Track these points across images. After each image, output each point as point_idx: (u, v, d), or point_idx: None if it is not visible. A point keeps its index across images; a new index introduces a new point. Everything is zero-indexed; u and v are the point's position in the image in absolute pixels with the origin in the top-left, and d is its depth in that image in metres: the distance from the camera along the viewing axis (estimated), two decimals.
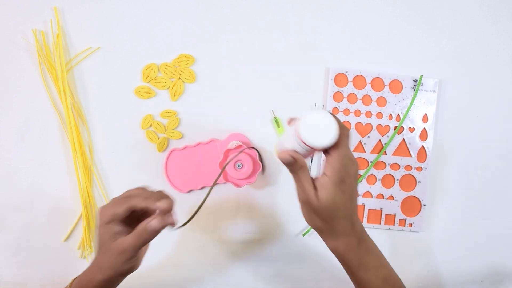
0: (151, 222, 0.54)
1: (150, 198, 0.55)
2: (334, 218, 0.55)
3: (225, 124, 0.77)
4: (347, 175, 0.54)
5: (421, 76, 0.76)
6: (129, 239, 0.55)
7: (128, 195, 0.57)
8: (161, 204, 0.54)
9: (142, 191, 0.57)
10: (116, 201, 0.56)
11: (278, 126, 0.76)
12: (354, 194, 0.56)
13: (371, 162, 0.77)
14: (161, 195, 0.56)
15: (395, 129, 0.77)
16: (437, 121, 0.78)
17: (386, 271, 0.59)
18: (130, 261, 0.57)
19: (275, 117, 0.76)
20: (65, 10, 0.75)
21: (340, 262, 0.59)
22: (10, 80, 0.75)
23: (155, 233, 0.54)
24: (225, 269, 0.77)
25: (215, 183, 0.63)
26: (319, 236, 0.58)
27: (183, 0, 0.76)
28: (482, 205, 0.79)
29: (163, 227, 0.54)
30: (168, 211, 0.54)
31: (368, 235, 0.59)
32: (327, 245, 0.58)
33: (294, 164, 0.54)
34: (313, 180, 0.55)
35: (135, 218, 0.57)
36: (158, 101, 0.76)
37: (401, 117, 0.77)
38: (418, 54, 0.78)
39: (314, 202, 0.54)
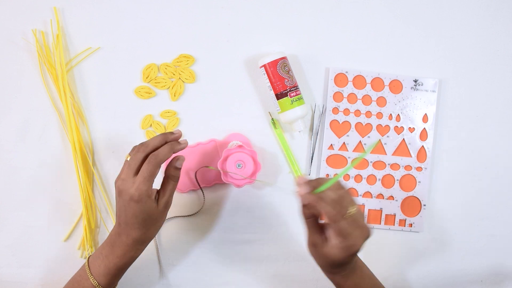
0: (178, 162, 0.63)
1: (167, 135, 0.63)
2: (339, 266, 0.61)
3: (225, 124, 0.77)
4: (355, 243, 0.58)
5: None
6: (165, 188, 0.63)
7: (143, 148, 0.61)
8: (181, 146, 0.63)
9: (150, 140, 0.62)
10: (144, 167, 0.60)
11: (276, 127, 0.76)
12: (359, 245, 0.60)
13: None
14: (171, 136, 0.63)
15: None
16: (437, 121, 0.78)
17: None
18: (160, 211, 0.63)
19: (272, 119, 0.76)
20: (65, 10, 0.75)
21: (337, 287, 0.65)
22: (10, 80, 0.75)
23: (178, 170, 0.64)
24: (225, 269, 0.77)
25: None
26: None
27: (183, 0, 0.76)
28: (482, 205, 0.79)
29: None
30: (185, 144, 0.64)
31: (361, 261, 0.65)
32: (325, 275, 0.64)
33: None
34: (322, 228, 0.61)
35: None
36: (158, 101, 0.76)
37: (401, 117, 0.77)
38: (418, 54, 0.78)
39: (322, 250, 0.59)
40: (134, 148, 0.62)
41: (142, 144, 0.62)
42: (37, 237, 0.76)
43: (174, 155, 0.63)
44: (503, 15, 0.78)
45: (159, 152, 0.61)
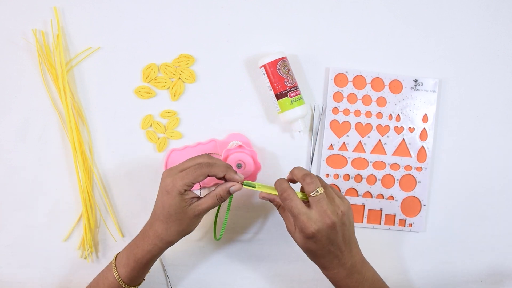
0: (233, 187, 0.63)
1: (230, 169, 0.63)
2: (315, 257, 0.63)
3: (225, 124, 0.77)
4: (318, 231, 0.59)
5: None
6: (208, 201, 0.62)
7: (207, 164, 0.62)
8: (239, 178, 0.63)
9: (217, 161, 0.63)
10: (193, 169, 0.61)
11: (254, 187, 0.65)
12: (335, 240, 0.60)
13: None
14: (231, 168, 0.64)
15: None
16: (437, 121, 0.78)
17: None
18: (198, 222, 0.65)
19: (244, 184, 0.65)
20: (65, 10, 0.75)
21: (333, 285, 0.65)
22: (10, 80, 0.75)
23: (229, 195, 0.64)
24: (225, 269, 0.77)
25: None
26: None
27: (183, 0, 0.76)
28: (482, 205, 0.79)
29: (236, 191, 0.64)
30: (241, 182, 0.64)
31: (363, 266, 0.64)
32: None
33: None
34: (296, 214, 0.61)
35: None
36: (158, 101, 0.76)
37: (401, 117, 0.77)
38: (418, 54, 0.78)
39: (293, 236, 0.63)
40: (204, 155, 0.64)
41: (209, 155, 0.64)
42: (37, 237, 0.76)
43: None
44: (503, 15, 0.78)
45: (214, 164, 0.62)
